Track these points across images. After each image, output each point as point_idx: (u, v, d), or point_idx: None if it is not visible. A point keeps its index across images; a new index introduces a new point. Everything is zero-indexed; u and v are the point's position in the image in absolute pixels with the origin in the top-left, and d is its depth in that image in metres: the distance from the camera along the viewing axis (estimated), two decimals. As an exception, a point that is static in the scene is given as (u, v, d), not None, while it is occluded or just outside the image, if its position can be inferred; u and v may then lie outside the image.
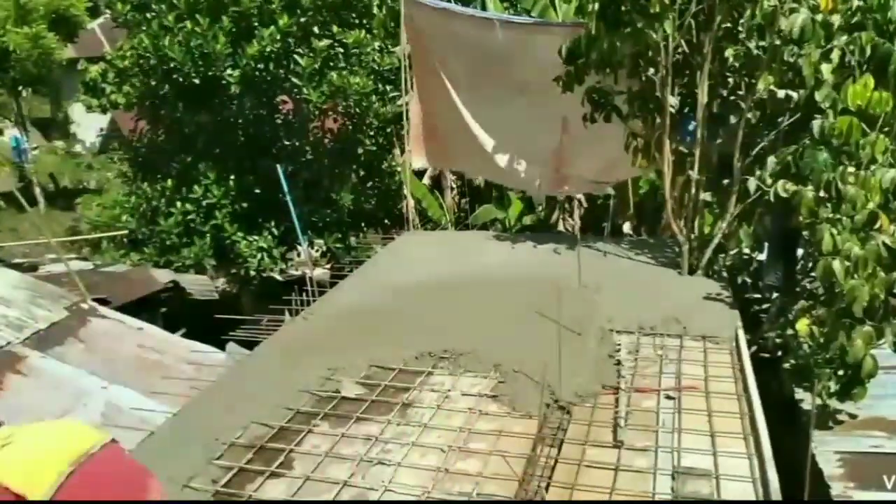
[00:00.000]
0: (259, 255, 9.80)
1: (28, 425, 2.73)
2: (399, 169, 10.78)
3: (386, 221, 11.39)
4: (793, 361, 4.52)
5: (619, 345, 4.70)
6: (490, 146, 7.59)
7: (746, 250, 5.89)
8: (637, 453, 3.50)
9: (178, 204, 9.69)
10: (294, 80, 9.52)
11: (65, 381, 5.70)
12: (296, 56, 9.53)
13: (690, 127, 5.87)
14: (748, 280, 6.07)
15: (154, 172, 10.35)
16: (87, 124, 23.19)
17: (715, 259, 5.94)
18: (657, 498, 3.17)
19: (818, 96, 4.65)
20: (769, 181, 4.90)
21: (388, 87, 10.47)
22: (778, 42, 4.98)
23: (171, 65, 9.18)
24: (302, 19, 9.41)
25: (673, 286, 5.72)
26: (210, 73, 9.25)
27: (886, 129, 4.37)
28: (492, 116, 7.49)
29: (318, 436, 3.78)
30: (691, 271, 5.95)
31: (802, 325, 4.26)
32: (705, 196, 5.94)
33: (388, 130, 11.00)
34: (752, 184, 5.06)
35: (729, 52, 5.37)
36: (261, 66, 9.28)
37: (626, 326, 4.95)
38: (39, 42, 17.67)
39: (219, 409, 4.05)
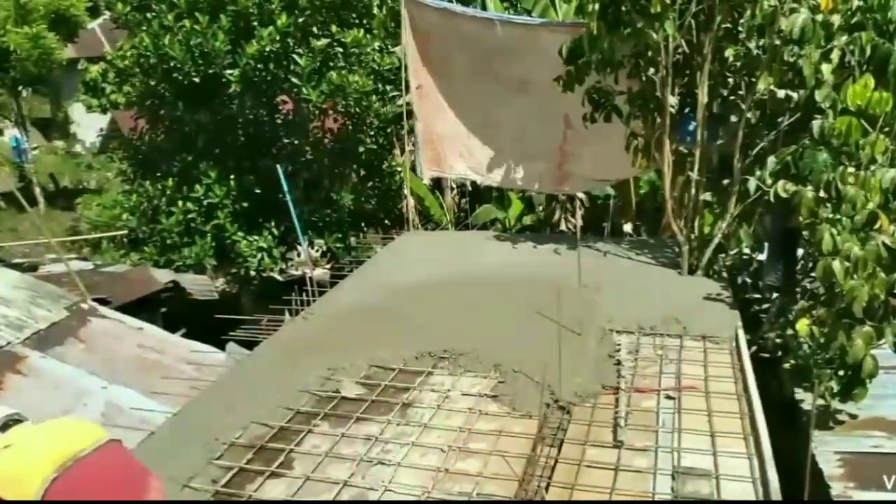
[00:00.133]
0: (259, 255, 9.80)
1: (29, 426, 2.76)
2: (399, 169, 10.78)
3: (386, 221, 11.39)
4: (793, 361, 4.52)
5: (619, 345, 4.70)
6: (492, 145, 7.59)
7: (746, 250, 5.90)
8: (637, 453, 3.50)
9: (180, 203, 9.69)
10: (293, 79, 9.52)
11: (65, 381, 5.70)
12: (295, 56, 9.53)
13: (690, 127, 5.87)
14: (748, 280, 6.07)
15: (154, 172, 10.36)
16: (87, 124, 23.18)
17: (715, 259, 5.94)
18: (657, 498, 3.17)
19: (818, 96, 4.65)
20: (769, 181, 4.91)
21: (388, 87, 10.47)
22: (778, 42, 4.98)
23: (172, 64, 9.18)
24: (300, 19, 9.41)
25: (673, 286, 5.72)
26: (210, 72, 9.25)
27: (886, 129, 4.38)
28: (495, 114, 7.49)
29: (318, 436, 3.78)
30: (691, 271, 5.95)
31: (802, 325, 4.26)
32: (705, 196, 5.94)
33: (389, 130, 11.00)
34: (752, 184, 5.07)
35: (729, 52, 5.38)
36: (260, 65, 9.28)
37: (626, 326, 4.95)
38: (39, 42, 17.67)
39: (219, 409, 4.05)
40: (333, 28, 9.79)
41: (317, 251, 11.07)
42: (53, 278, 8.20)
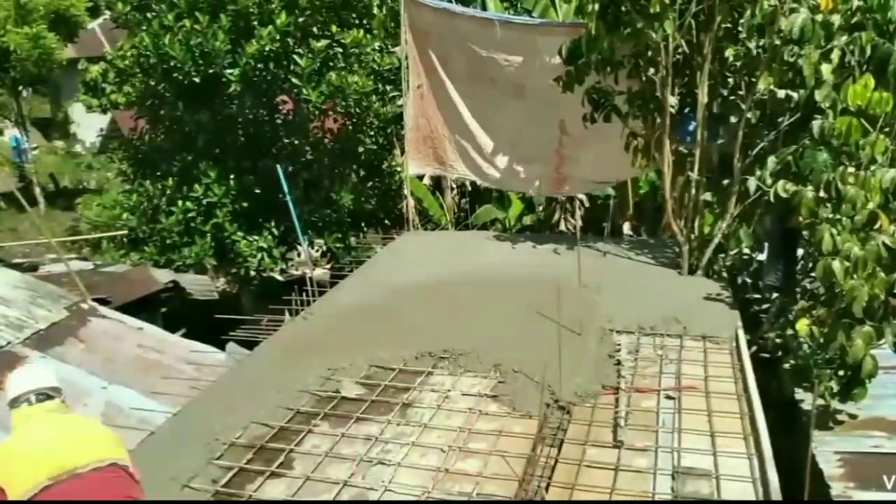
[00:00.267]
0: (259, 255, 9.78)
1: (53, 410, 2.79)
2: (399, 169, 10.77)
3: (386, 221, 11.38)
4: (793, 362, 4.53)
5: (619, 345, 4.70)
6: (490, 147, 7.59)
7: (746, 250, 5.90)
8: (637, 453, 3.50)
9: (179, 203, 9.68)
10: (293, 79, 9.52)
11: (65, 381, 5.68)
12: (295, 56, 9.53)
13: (690, 127, 5.87)
14: (748, 280, 6.07)
15: (154, 171, 10.35)
16: (87, 124, 23.16)
17: (715, 259, 5.94)
18: (657, 498, 3.17)
19: (818, 96, 4.65)
20: (769, 181, 4.91)
21: (388, 87, 10.46)
22: (778, 42, 4.98)
23: (172, 63, 9.17)
24: (300, 19, 9.41)
25: (673, 286, 5.72)
26: (210, 72, 9.25)
27: (886, 129, 4.38)
28: (492, 117, 7.49)
29: (318, 436, 3.78)
30: (691, 271, 5.95)
31: (802, 325, 4.26)
32: (705, 196, 5.94)
33: (388, 130, 10.99)
34: (752, 184, 5.07)
35: (729, 52, 5.38)
36: (260, 65, 9.28)
37: (626, 326, 4.95)
38: (39, 42, 17.65)
39: (219, 409, 4.05)
40: (333, 28, 9.79)
41: (317, 251, 11.07)
42: (53, 278, 8.20)
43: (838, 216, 4.28)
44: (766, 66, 5.13)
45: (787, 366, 4.61)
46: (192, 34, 9.04)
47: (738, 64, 5.51)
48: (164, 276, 9.57)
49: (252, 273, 9.91)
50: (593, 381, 4.20)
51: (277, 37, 9.11)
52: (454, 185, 11.57)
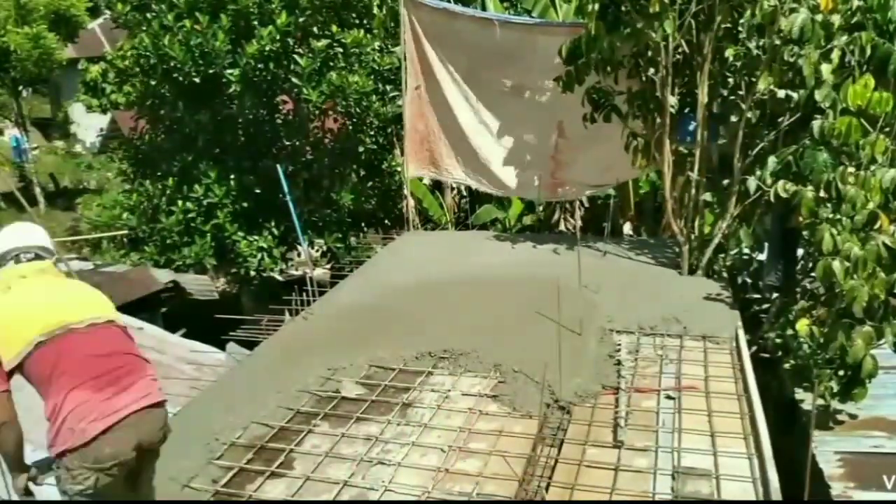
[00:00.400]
0: (259, 255, 9.79)
1: (43, 270, 2.75)
2: (399, 169, 10.77)
3: (386, 221, 11.39)
4: (793, 362, 4.52)
5: (619, 345, 4.70)
6: (485, 150, 7.56)
7: (746, 250, 5.90)
8: (637, 453, 3.50)
9: (179, 203, 9.68)
10: (293, 79, 9.52)
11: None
12: (295, 56, 9.53)
13: (690, 127, 5.87)
14: (748, 280, 6.07)
15: (154, 171, 10.35)
16: (87, 124, 23.17)
17: (715, 259, 5.94)
18: (657, 498, 3.17)
19: (818, 96, 4.65)
20: (769, 181, 4.91)
21: (388, 87, 10.46)
22: (778, 42, 4.98)
23: (172, 63, 9.17)
24: (301, 19, 9.41)
25: (673, 286, 5.72)
26: (210, 72, 9.25)
27: (886, 129, 4.38)
28: (489, 119, 7.47)
29: (318, 436, 3.78)
30: (691, 271, 5.95)
31: (802, 325, 4.26)
32: (705, 196, 5.94)
33: (389, 130, 10.99)
34: (752, 184, 5.07)
35: (729, 52, 5.37)
36: (260, 65, 9.28)
37: (626, 326, 4.95)
38: (39, 42, 17.67)
39: (219, 409, 4.05)
40: (334, 28, 9.79)
41: (317, 251, 11.07)
42: (53, 278, 8.18)
43: (838, 216, 4.28)
44: (766, 66, 5.13)
45: (787, 366, 4.61)
46: (192, 34, 9.04)
47: (738, 64, 5.51)
48: (164, 276, 9.58)
49: (252, 273, 9.91)
50: (593, 381, 4.20)
51: (278, 37, 9.11)
52: (454, 186, 11.58)
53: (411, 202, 8.30)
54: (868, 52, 4.55)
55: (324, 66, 9.62)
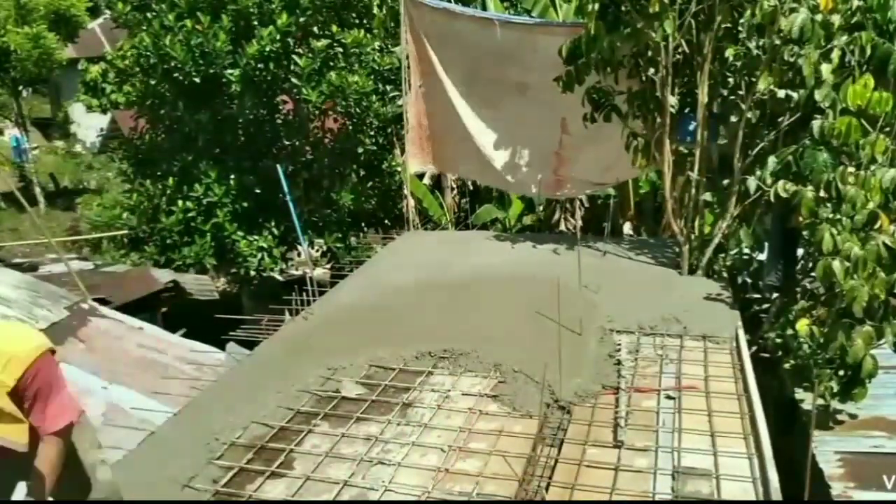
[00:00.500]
0: (259, 255, 9.79)
1: None
2: (399, 169, 10.77)
3: (386, 221, 11.39)
4: (793, 362, 4.52)
5: (619, 345, 4.70)
6: (489, 148, 7.58)
7: (746, 250, 5.89)
8: (637, 453, 3.50)
9: (179, 202, 9.69)
10: (293, 79, 9.52)
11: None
12: (295, 56, 9.53)
13: (690, 127, 5.87)
14: (748, 280, 6.06)
15: (154, 171, 10.36)
16: (87, 124, 23.20)
17: (715, 259, 5.94)
18: (657, 498, 3.17)
19: (818, 96, 4.65)
20: (769, 181, 4.91)
21: (388, 87, 10.46)
22: (778, 42, 4.98)
23: (172, 63, 9.18)
24: (301, 19, 9.41)
25: (673, 286, 5.72)
26: (211, 72, 9.25)
27: (886, 128, 4.38)
28: (491, 118, 7.48)
29: (318, 436, 3.78)
30: (691, 271, 5.95)
31: (802, 325, 4.26)
32: (705, 196, 5.94)
33: (389, 130, 11.00)
34: (752, 184, 5.07)
35: (729, 52, 5.37)
36: (260, 65, 9.29)
37: (626, 326, 4.95)
38: (39, 42, 17.67)
39: (219, 409, 4.05)
40: (334, 28, 9.79)
41: (317, 251, 11.08)
42: (53, 278, 8.21)
43: (838, 216, 4.28)
44: (766, 66, 5.13)
45: (787, 366, 4.61)
46: (192, 34, 9.04)
47: (738, 64, 5.50)
48: (164, 276, 9.58)
49: (252, 273, 9.92)
50: (593, 381, 4.20)
51: (278, 37, 9.12)
52: (454, 185, 11.59)
53: (411, 202, 8.31)
54: (868, 51, 4.55)
55: (324, 66, 9.62)
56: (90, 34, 21.84)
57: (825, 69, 4.66)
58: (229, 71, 9.22)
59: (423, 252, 7.12)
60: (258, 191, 9.85)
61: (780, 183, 4.75)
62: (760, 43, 5.24)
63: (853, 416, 4.35)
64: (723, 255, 5.94)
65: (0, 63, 17.94)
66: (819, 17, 4.65)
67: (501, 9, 10.29)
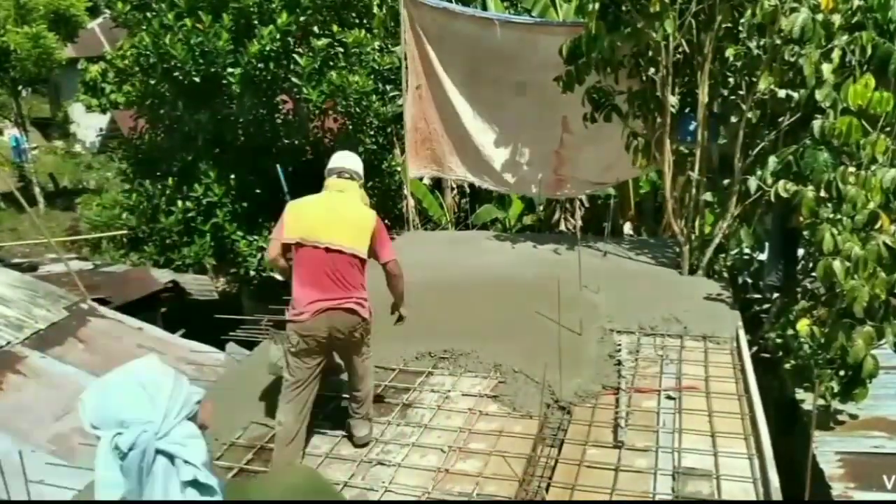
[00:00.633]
0: (259, 255, 9.77)
1: (344, 195, 3.72)
2: (399, 169, 10.77)
3: (386, 221, 11.33)
4: (793, 362, 4.52)
5: (619, 345, 4.70)
6: (488, 148, 7.57)
7: (747, 250, 5.89)
8: (637, 453, 3.50)
9: (179, 202, 9.68)
10: (294, 79, 9.51)
11: (65, 381, 5.70)
12: (295, 55, 9.52)
13: (691, 127, 5.87)
14: (749, 280, 6.06)
15: (154, 171, 10.35)
16: (87, 124, 23.21)
17: (715, 259, 5.93)
18: (657, 498, 3.16)
19: (819, 96, 4.65)
20: (770, 181, 4.90)
21: (388, 87, 10.46)
22: (778, 42, 4.97)
23: (172, 63, 9.17)
24: (301, 18, 9.40)
25: (673, 286, 5.71)
26: (211, 72, 9.24)
27: (887, 128, 4.38)
28: (491, 118, 7.47)
29: (318, 436, 3.77)
30: (692, 271, 5.95)
31: (803, 325, 4.26)
32: (706, 196, 5.93)
33: (388, 130, 10.98)
34: (752, 184, 5.06)
35: (729, 52, 5.37)
36: (261, 65, 9.28)
37: (626, 326, 4.95)
38: (39, 42, 17.64)
39: (219, 409, 4.03)
40: (334, 28, 9.78)
41: (317, 251, 11.03)
42: (53, 278, 8.19)
43: (839, 216, 4.28)
44: (766, 66, 5.13)
45: (787, 366, 4.60)
46: (192, 33, 9.03)
47: (739, 63, 5.50)
48: (163, 276, 9.56)
49: (252, 273, 9.90)
50: (593, 381, 4.20)
51: (278, 36, 9.11)
52: (454, 185, 11.57)
53: (411, 202, 8.30)
54: (868, 51, 4.54)
55: (324, 65, 9.61)
56: (90, 34, 21.83)
57: (826, 69, 4.66)
58: (230, 70, 9.20)
59: (423, 252, 7.11)
60: (258, 191, 9.83)
61: (781, 183, 4.74)
62: (761, 43, 5.24)
63: (854, 417, 4.35)
64: (723, 255, 5.94)
65: (0, 63, 17.93)
66: (820, 17, 4.65)
67: (501, 8, 10.28)
